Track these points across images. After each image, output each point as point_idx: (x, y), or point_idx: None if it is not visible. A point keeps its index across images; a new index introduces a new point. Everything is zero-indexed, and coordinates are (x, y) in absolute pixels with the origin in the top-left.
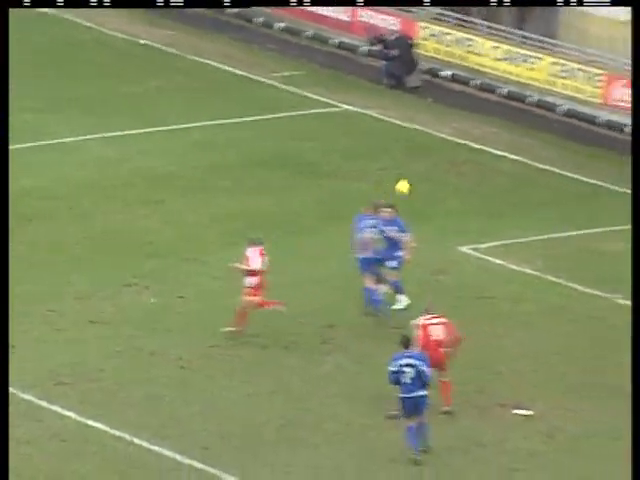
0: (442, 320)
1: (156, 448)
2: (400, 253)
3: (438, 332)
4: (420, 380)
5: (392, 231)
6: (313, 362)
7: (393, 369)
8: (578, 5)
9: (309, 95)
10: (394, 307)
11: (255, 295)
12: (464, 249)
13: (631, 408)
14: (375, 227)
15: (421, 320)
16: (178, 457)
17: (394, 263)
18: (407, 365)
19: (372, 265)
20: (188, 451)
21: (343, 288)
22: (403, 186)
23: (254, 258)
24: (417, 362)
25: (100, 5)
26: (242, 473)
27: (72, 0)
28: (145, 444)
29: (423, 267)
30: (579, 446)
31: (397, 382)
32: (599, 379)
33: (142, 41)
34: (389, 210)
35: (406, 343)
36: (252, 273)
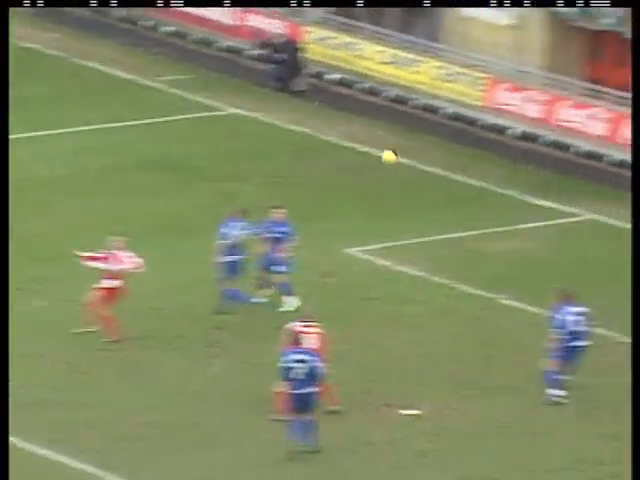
0: (317, 330)
1: (46, 452)
2: (287, 255)
3: (311, 341)
4: (312, 376)
5: (280, 233)
6: (201, 364)
7: (283, 365)
8: (578, 6)
9: (196, 99)
10: (283, 309)
11: (108, 297)
12: (351, 251)
13: (631, 408)
14: (245, 230)
15: (296, 326)
16: (69, 461)
17: (282, 267)
18: (298, 361)
19: (239, 269)
20: (79, 455)
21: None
22: (389, 156)
23: (122, 261)
24: (310, 358)
25: (101, 5)
26: (135, 476)
27: (72, 0)
28: (34, 449)
29: (310, 269)
30: (466, 445)
31: (287, 378)
32: (486, 379)
33: (25, 44)
34: (280, 212)
35: (295, 340)
36: (116, 275)
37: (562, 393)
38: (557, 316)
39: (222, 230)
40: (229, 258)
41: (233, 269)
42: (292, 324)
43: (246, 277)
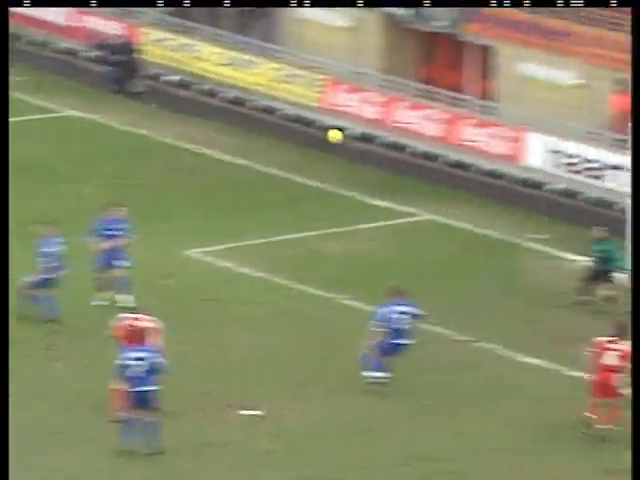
0: (151, 325)
1: None
2: (126, 252)
3: (148, 336)
4: (152, 373)
5: (120, 230)
6: (40, 367)
7: (121, 363)
8: (577, 6)
9: (31, 101)
10: (120, 304)
11: None
12: (190, 252)
13: (631, 409)
14: (61, 244)
15: (127, 319)
16: None
17: (124, 262)
18: (137, 358)
19: (58, 283)
20: None
21: (69, 293)
22: (336, 134)
23: None
24: (150, 355)
25: (100, 5)
26: None
27: (72, 0)
28: None
29: (149, 270)
30: (306, 445)
31: (125, 376)
32: (325, 379)
33: None
34: (121, 210)
35: (138, 338)
36: None
37: (384, 375)
38: (381, 311)
39: (41, 250)
40: (50, 275)
41: (53, 283)
42: (123, 317)
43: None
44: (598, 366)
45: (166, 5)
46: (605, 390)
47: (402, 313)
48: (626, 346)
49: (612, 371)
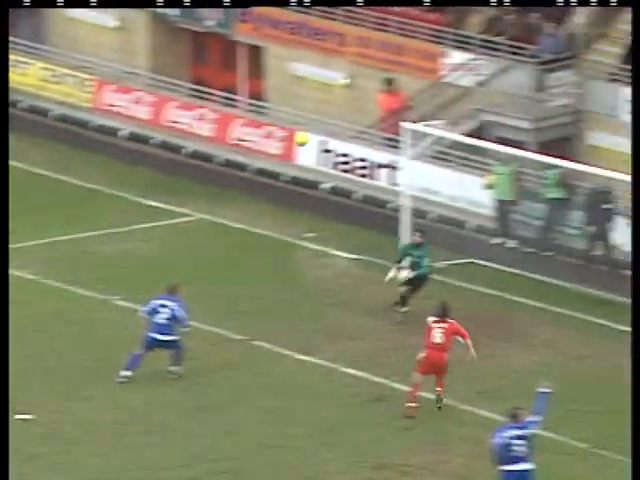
0: None
1: None
2: None
3: None
4: None
5: None
6: None
7: None
8: (578, 5)
9: None
10: None
11: None
12: None
13: (631, 409)
14: None
15: None
16: None
17: None
18: None
19: None
20: None
21: None
22: (303, 138)
23: None
24: None
25: (101, 5)
26: None
27: (72, 0)
28: None
29: None
30: (81, 447)
31: None
32: (100, 380)
33: None
34: None
35: None
36: None
37: (128, 373)
38: (144, 307)
39: None
40: None
41: None
42: None
43: None
44: (428, 345)
45: (166, 5)
46: (434, 368)
47: (162, 306)
48: (449, 324)
49: (440, 349)
